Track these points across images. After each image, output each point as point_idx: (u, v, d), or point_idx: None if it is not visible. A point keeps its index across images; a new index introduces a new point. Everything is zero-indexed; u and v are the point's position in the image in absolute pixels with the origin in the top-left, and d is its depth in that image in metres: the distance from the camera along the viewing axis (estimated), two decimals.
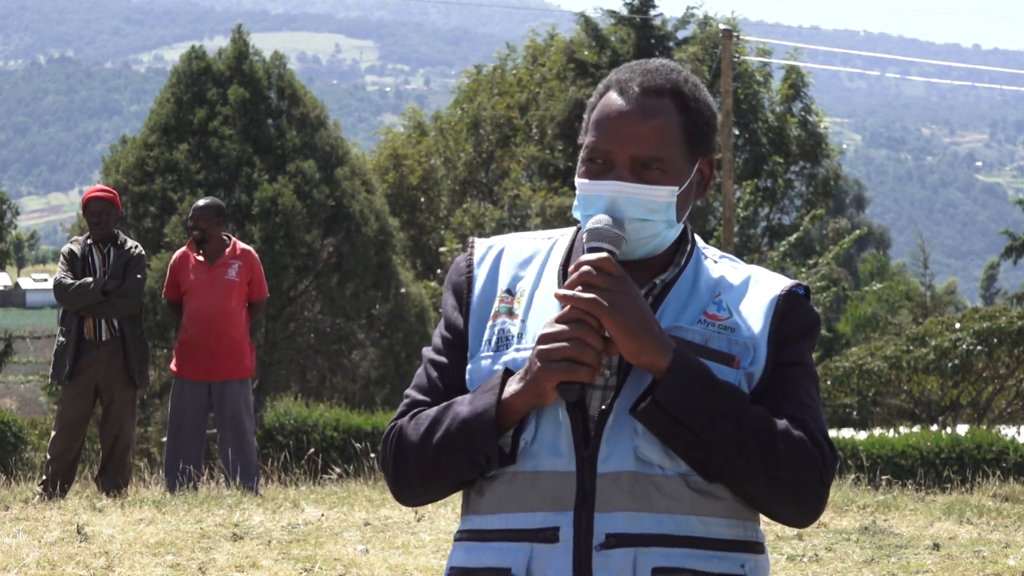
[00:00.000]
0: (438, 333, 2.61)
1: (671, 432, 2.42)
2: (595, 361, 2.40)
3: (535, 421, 2.47)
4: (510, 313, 2.54)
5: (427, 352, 2.62)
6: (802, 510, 2.50)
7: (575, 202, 2.55)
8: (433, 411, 2.51)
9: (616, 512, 2.43)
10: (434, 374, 2.58)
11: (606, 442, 2.45)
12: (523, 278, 2.56)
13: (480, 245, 2.62)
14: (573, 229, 2.63)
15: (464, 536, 2.54)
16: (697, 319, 2.51)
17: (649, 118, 2.51)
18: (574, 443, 2.45)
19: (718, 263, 2.61)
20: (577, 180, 2.54)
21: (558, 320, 2.42)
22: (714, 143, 2.61)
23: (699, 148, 2.56)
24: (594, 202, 2.50)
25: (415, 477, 2.54)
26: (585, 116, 2.58)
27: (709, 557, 2.47)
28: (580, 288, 2.41)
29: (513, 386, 2.44)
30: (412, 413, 2.55)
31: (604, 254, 2.44)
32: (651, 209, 2.50)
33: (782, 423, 2.45)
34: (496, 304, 2.55)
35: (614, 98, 2.53)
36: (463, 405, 2.47)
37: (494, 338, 2.53)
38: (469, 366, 2.53)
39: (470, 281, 2.58)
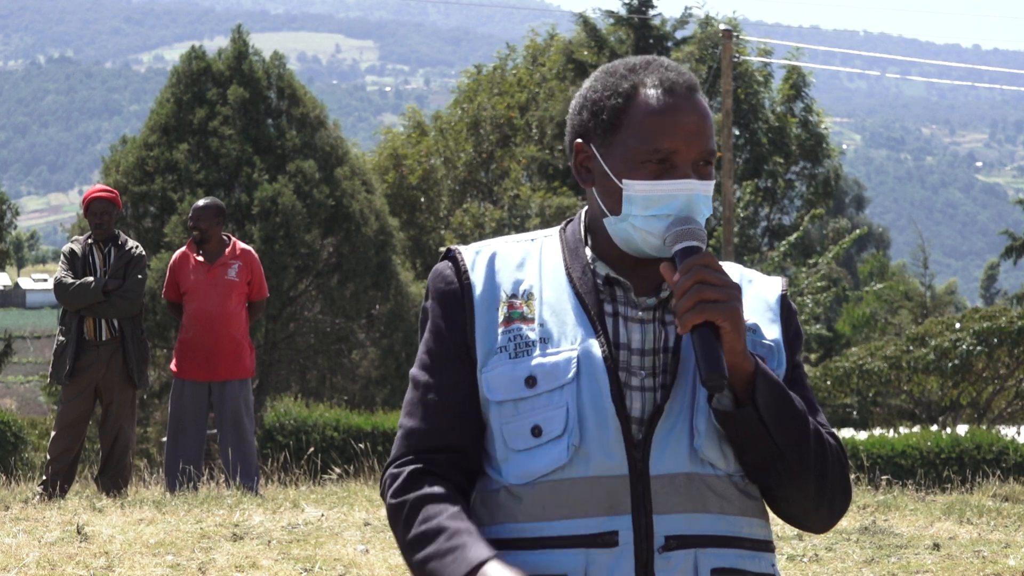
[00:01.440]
0: (427, 350, 2.54)
1: (754, 435, 2.43)
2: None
3: (577, 425, 2.44)
4: (523, 318, 2.51)
5: (418, 375, 2.54)
6: (835, 517, 2.55)
7: (629, 203, 2.49)
8: (420, 526, 2.44)
9: (673, 514, 2.43)
10: (432, 397, 2.51)
11: (658, 443, 2.44)
12: (523, 281, 2.53)
13: (467, 252, 2.57)
14: (554, 230, 2.61)
15: (498, 545, 2.45)
16: None
17: (704, 115, 2.51)
18: (625, 446, 2.44)
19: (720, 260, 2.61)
20: (636, 182, 2.47)
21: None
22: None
23: None
24: (667, 202, 2.47)
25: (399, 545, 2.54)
26: (604, 116, 2.52)
27: (753, 557, 2.50)
28: (697, 285, 2.39)
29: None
30: (414, 479, 2.49)
31: (708, 251, 2.45)
32: (709, 204, 2.52)
33: (820, 430, 2.50)
34: (504, 310, 2.51)
35: (664, 97, 2.50)
36: (439, 553, 2.41)
37: (511, 344, 2.48)
38: (483, 375, 2.48)
39: (467, 288, 2.52)
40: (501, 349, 2.48)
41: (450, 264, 2.55)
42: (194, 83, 25.18)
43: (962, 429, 20.59)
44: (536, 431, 2.45)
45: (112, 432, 10.06)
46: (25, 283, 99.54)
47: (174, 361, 10.54)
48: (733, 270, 2.60)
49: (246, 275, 10.47)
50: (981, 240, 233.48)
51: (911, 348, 26.07)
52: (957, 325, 26.21)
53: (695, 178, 2.48)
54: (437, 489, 2.47)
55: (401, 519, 2.48)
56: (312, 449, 15.45)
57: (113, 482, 10.05)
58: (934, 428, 21.99)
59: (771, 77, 36.23)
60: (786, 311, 2.58)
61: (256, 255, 10.73)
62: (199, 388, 10.42)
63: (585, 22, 36.30)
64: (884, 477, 13.56)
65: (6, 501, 9.36)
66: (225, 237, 10.58)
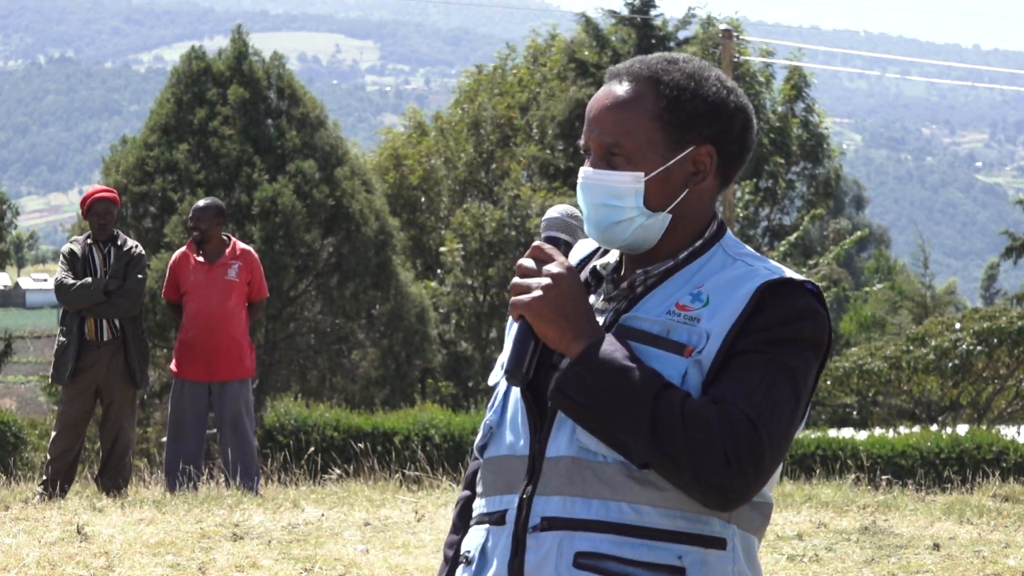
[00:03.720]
0: None
1: (580, 417, 2.46)
2: None
3: (501, 405, 2.58)
4: None
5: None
6: (708, 492, 2.42)
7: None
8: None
9: (553, 496, 2.47)
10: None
11: (556, 426, 2.50)
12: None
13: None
14: None
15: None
16: (667, 310, 2.51)
17: (613, 106, 2.54)
18: (529, 427, 2.51)
19: (737, 260, 2.56)
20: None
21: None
22: (715, 131, 2.58)
23: (685, 136, 2.55)
24: (579, 192, 2.59)
25: None
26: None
27: (638, 545, 2.45)
28: (513, 281, 2.52)
29: None
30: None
31: (537, 243, 2.54)
32: (615, 195, 2.52)
33: (696, 405, 2.42)
34: None
35: (596, 91, 2.61)
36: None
37: None
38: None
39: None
40: None
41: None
42: (194, 83, 25.16)
43: (962, 429, 20.59)
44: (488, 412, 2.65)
45: (112, 432, 10.06)
46: (25, 283, 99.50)
47: (174, 361, 10.54)
48: (750, 268, 2.54)
49: (246, 275, 10.47)
50: (981, 240, 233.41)
51: (911, 348, 26.07)
52: (957, 325, 26.22)
53: (604, 168, 2.55)
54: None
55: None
56: (312, 449, 15.45)
57: (113, 482, 10.04)
58: (934, 428, 22.00)
59: (772, 78, 36.21)
60: (756, 300, 2.48)
61: (256, 255, 10.73)
62: (199, 388, 10.41)
63: (587, 22, 36.27)
64: (884, 477, 13.56)
65: (6, 501, 9.36)
66: (225, 237, 10.58)
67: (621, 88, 2.55)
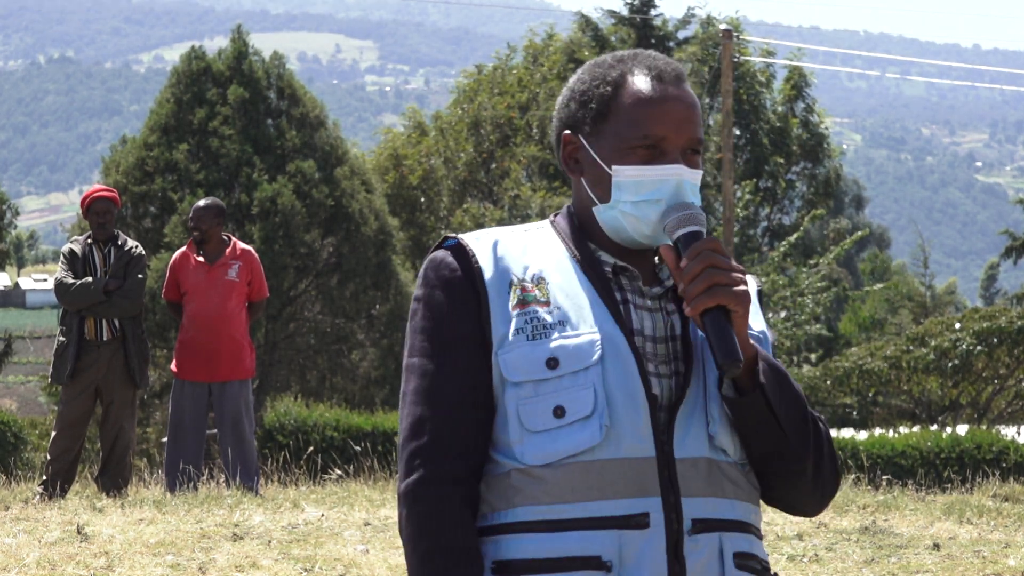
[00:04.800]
0: (431, 337, 2.50)
1: (762, 420, 2.46)
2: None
3: (606, 406, 2.43)
4: (537, 301, 2.49)
5: (424, 363, 2.50)
6: (826, 499, 2.58)
7: (618, 189, 2.51)
8: (419, 546, 2.45)
9: (696, 497, 2.45)
10: (444, 383, 2.48)
11: (680, 428, 2.46)
12: (530, 267, 2.52)
13: (470, 238, 2.56)
14: (544, 223, 2.62)
15: (520, 528, 2.45)
16: None
17: (692, 104, 2.54)
18: (653, 429, 2.45)
19: None
20: (625, 168, 2.50)
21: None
22: None
23: None
24: (657, 187, 2.49)
25: None
26: (593, 105, 2.55)
27: (759, 544, 2.54)
28: (709, 269, 2.42)
29: None
30: (429, 489, 2.46)
31: (713, 236, 2.46)
32: (697, 193, 2.53)
33: (813, 413, 2.54)
34: (516, 293, 2.49)
35: (653, 84, 2.52)
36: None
37: (527, 326, 2.47)
38: (500, 357, 2.46)
39: (477, 273, 2.51)
40: (518, 331, 2.47)
41: (453, 251, 2.54)
42: (194, 83, 25.17)
43: (962, 429, 20.59)
44: (559, 412, 2.44)
45: (112, 432, 10.06)
46: (25, 283, 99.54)
47: (174, 361, 10.54)
48: None
49: (246, 275, 10.47)
50: (981, 240, 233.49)
51: (911, 348, 26.07)
52: (957, 325, 26.21)
53: (684, 164, 2.51)
54: (447, 505, 2.46)
55: (406, 521, 2.47)
56: (312, 449, 15.45)
57: (113, 482, 10.04)
58: (934, 428, 22.00)
59: (773, 78, 36.22)
60: (762, 302, 2.64)
61: (256, 255, 10.73)
62: (199, 388, 10.41)
63: (587, 22, 36.28)
64: (884, 477, 13.56)
65: (6, 501, 9.36)
66: (225, 237, 10.58)
67: (685, 86, 2.55)
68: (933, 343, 25.67)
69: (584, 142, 2.55)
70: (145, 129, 25.33)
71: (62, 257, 10.23)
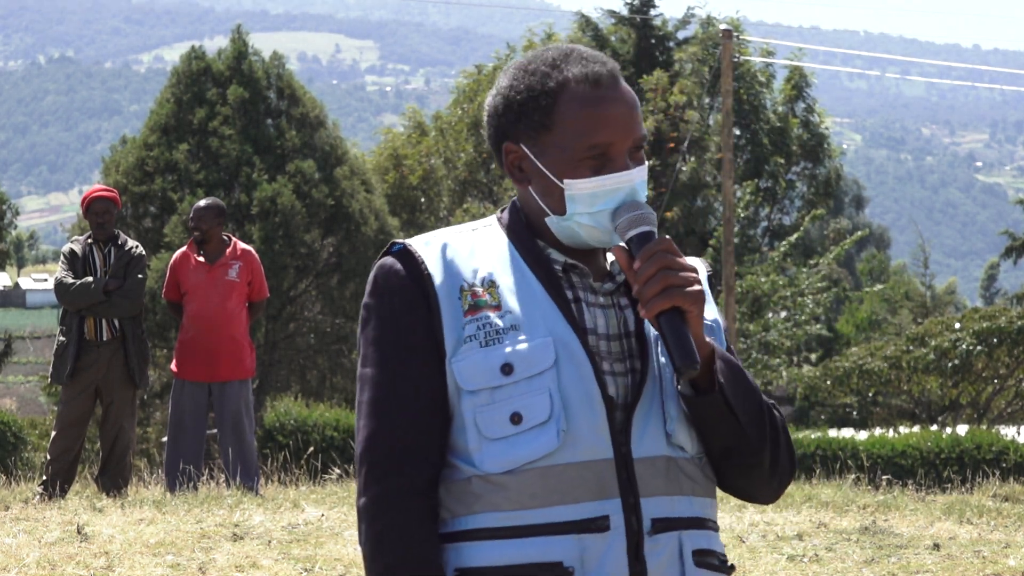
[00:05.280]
0: (383, 346, 2.47)
1: (721, 416, 2.45)
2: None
3: (563, 411, 2.41)
4: (489, 306, 2.46)
5: (377, 373, 2.47)
6: (783, 487, 2.57)
7: (573, 202, 2.47)
8: (383, 557, 2.43)
9: (655, 497, 2.44)
10: (399, 393, 2.45)
11: (637, 427, 2.44)
12: (480, 270, 2.49)
13: (416, 243, 2.52)
14: (491, 220, 2.58)
15: (482, 535, 2.43)
16: None
17: (632, 103, 2.51)
18: (610, 430, 2.43)
19: None
20: (578, 182, 2.46)
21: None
22: None
23: None
24: (612, 196, 2.46)
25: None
26: (535, 117, 2.49)
27: (717, 538, 2.53)
28: (663, 271, 2.39)
29: None
30: (389, 502, 2.43)
31: (666, 236, 2.44)
32: (645, 188, 2.51)
33: (768, 403, 2.53)
34: (467, 299, 2.46)
35: (593, 91, 2.49)
36: None
37: (480, 333, 2.44)
38: (453, 365, 2.44)
39: (428, 279, 2.47)
40: (470, 338, 2.44)
41: (400, 257, 2.50)
42: (194, 83, 25.17)
43: (962, 429, 20.60)
44: (516, 418, 2.42)
45: (112, 432, 10.06)
46: (25, 283, 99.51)
47: (174, 361, 10.54)
48: None
49: (246, 275, 10.47)
50: (981, 240, 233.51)
51: (911, 348, 26.08)
52: (957, 325, 26.23)
53: (632, 166, 2.48)
54: (408, 516, 2.44)
55: (365, 533, 2.46)
56: (312, 449, 15.46)
57: (113, 482, 10.04)
58: (934, 428, 22.00)
59: (773, 78, 36.22)
60: (714, 290, 2.63)
61: (256, 255, 10.73)
62: (199, 388, 10.41)
63: (587, 21, 36.28)
64: (884, 477, 13.56)
65: (6, 501, 9.36)
66: (225, 237, 10.58)
67: (623, 86, 2.52)
68: (933, 343, 25.69)
69: (528, 153, 2.51)
70: (145, 129, 25.34)
71: (62, 257, 10.23)
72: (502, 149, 2.54)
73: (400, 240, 2.54)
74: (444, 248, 2.51)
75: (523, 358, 2.42)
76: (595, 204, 2.47)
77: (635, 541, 2.41)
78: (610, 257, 2.55)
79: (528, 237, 2.52)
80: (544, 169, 2.49)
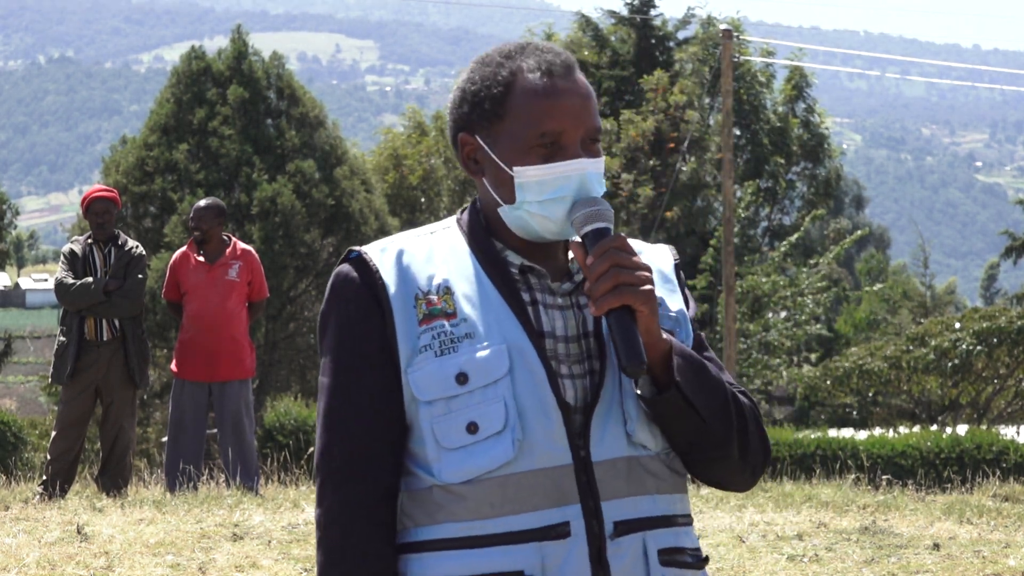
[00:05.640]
0: (340, 357, 2.46)
1: (681, 413, 2.42)
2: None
3: (518, 418, 2.39)
4: (444, 314, 2.44)
5: (334, 384, 2.46)
6: (756, 475, 2.54)
7: (522, 190, 2.45)
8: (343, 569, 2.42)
9: (617, 499, 2.41)
10: (356, 404, 2.44)
11: (596, 430, 2.42)
12: (436, 276, 2.47)
13: (372, 251, 2.51)
14: (450, 221, 2.57)
15: (443, 545, 2.41)
16: None
17: (586, 94, 2.49)
18: (567, 435, 2.40)
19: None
20: (527, 169, 2.45)
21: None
22: None
23: None
24: (561, 184, 2.44)
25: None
26: (487, 106, 2.50)
27: (687, 534, 2.50)
28: (614, 268, 2.37)
29: None
30: (346, 512, 2.42)
31: (620, 234, 2.42)
32: (602, 181, 2.49)
33: (735, 392, 2.49)
34: (422, 307, 2.45)
35: (544, 80, 2.47)
36: None
37: (435, 342, 2.42)
38: (409, 375, 2.42)
39: (381, 288, 2.45)
40: (425, 348, 2.42)
41: (356, 266, 2.49)
42: (194, 83, 25.18)
43: (962, 429, 20.60)
44: (472, 428, 2.39)
45: (112, 432, 10.06)
46: (25, 283, 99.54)
47: (174, 361, 10.54)
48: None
49: (246, 275, 10.47)
50: (981, 240, 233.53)
51: (911, 348, 26.08)
52: (957, 325, 26.23)
53: (584, 156, 2.46)
54: (369, 530, 2.43)
55: (323, 545, 2.44)
56: (312, 449, 15.45)
57: (113, 482, 10.04)
58: (934, 428, 22.01)
59: (773, 78, 36.21)
60: (681, 280, 2.60)
61: (256, 255, 10.73)
62: (199, 388, 10.41)
63: (587, 21, 36.28)
64: (884, 477, 13.57)
65: (6, 501, 9.36)
66: (225, 237, 10.58)
67: (578, 76, 2.50)
68: (933, 343, 25.69)
69: (481, 143, 2.50)
70: (145, 129, 25.34)
71: (62, 257, 10.23)
72: (459, 141, 2.54)
73: (356, 248, 2.52)
74: (400, 255, 2.49)
75: (478, 367, 2.40)
76: (544, 192, 2.44)
77: (597, 545, 2.39)
78: (572, 255, 2.52)
79: (485, 239, 2.50)
80: (495, 158, 2.48)
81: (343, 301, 2.48)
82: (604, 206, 2.44)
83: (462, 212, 2.58)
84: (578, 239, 2.43)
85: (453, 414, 2.41)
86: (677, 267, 2.61)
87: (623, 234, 2.43)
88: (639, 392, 2.43)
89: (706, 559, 2.54)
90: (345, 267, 2.49)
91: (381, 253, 2.50)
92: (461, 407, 2.41)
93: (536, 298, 2.47)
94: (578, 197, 2.45)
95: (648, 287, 2.38)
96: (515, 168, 2.46)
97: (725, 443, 2.46)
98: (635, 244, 2.57)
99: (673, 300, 2.55)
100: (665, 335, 2.43)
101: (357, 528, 2.42)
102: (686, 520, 2.51)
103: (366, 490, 2.43)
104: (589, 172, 2.46)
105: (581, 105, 2.47)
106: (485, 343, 2.41)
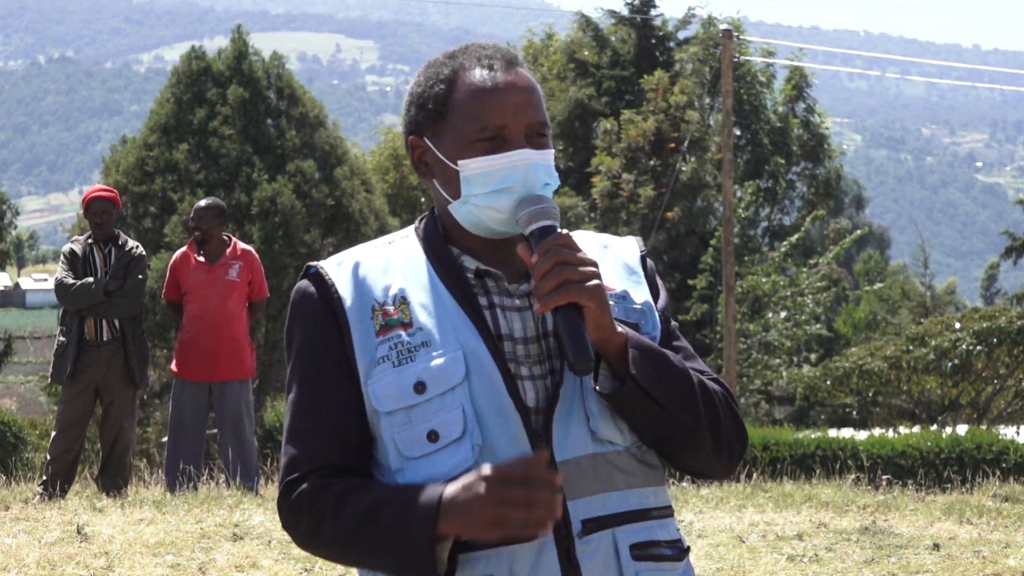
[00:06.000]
0: (303, 373, 2.47)
1: (642, 407, 2.41)
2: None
3: (476, 424, 2.38)
4: (401, 324, 2.44)
5: (297, 399, 2.47)
6: (734, 461, 2.53)
7: (467, 183, 2.45)
8: (359, 507, 2.37)
9: (583, 498, 2.40)
10: (317, 419, 2.44)
11: (559, 430, 2.41)
12: (392, 286, 2.47)
13: (329, 265, 2.51)
14: (409, 230, 2.57)
15: None
16: None
17: (529, 86, 2.49)
18: (528, 437, 2.39)
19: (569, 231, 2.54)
20: (470, 161, 2.44)
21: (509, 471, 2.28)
22: None
23: None
24: (506, 175, 2.43)
25: (333, 558, 2.47)
26: (431, 106, 2.50)
27: (664, 526, 2.49)
28: (558, 266, 2.35)
29: (453, 521, 2.30)
30: (321, 485, 2.40)
31: (564, 231, 2.40)
32: (551, 174, 2.48)
33: (704, 380, 2.48)
34: (379, 319, 2.44)
35: (485, 74, 2.48)
36: (394, 513, 2.34)
37: (392, 353, 2.42)
38: (369, 387, 2.42)
39: (337, 302, 2.46)
40: (383, 359, 2.42)
41: (313, 281, 2.49)
42: (194, 83, 25.18)
43: (962, 429, 20.59)
44: (432, 436, 2.39)
45: (112, 432, 10.06)
46: (25, 283, 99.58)
47: (174, 361, 10.54)
48: (588, 238, 2.59)
49: (246, 275, 10.47)
50: (981, 240, 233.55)
51: (911, 348, 26.08)
52: (957, 325, 26.23)
53: (529, 147, 2.46)
54: (350, 482, 2.41)
55: (317, 519, 2.41)
56: None
57: (113, 482, 10.05)
58: (934, 428, 22.00)
59: (773, 78, 36.21)
60: (649, 271, 2.59)
61: (256, 255, 10.73)
62: (199, 388, 10.41)
63: (587, 21, 36.28)
64: (884, 477, 13.56)
65: (6, 501, 9.36)
66: (226, 237, 10.59)
67: (520, 70, 2.50)
68: (933, 343, 25.69)
69: (429, 143, 2.50)
70: (145, 129, 25.35)
71: (62, 257, 10.23)
72: (410, 144, 2.55)
73: (314, 263, 2.53)
74: (356, 267, 2.49)
75: (434, 375, 2.40)
76: (490, 184, 2.44)
77: (566, 546, 2.38)
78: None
79: (441, 245, 2.50)
80: (441, 156, 2.48)
81: (302, 317, 2.49)
82: (549, 203, 2.43)
83: (420, 220, 2.58)
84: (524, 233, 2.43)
85: (413, 423, 2.40)
86: (643, 258, 2.60)
87: (566, 231, 2.42)
88: (597, 388, 2.41)
89: (687, 549, 2.52)
90: (303, 283, 2.50)
91: (338, 267, 2.50)
92: (420, 416, 2.40)
93: (494, 301, 2.47)
94: (524, 187, 2.44)
95: (594, 282, 2.36)
96: (459, 162, 2.46)
97: (695, 433, 2.44)
98: (601, 238, 2.58)
99: (638, 292, 2.54)
100: (621, 329, 2.41)
101: (342, 484, 2.40)
102: (662, 512, 2.49)
103: (328, 485, 2.42)
104: (534, 163, 2.45)
105: (523, 99, 2.47)
106: (441, 351, 2.41)
